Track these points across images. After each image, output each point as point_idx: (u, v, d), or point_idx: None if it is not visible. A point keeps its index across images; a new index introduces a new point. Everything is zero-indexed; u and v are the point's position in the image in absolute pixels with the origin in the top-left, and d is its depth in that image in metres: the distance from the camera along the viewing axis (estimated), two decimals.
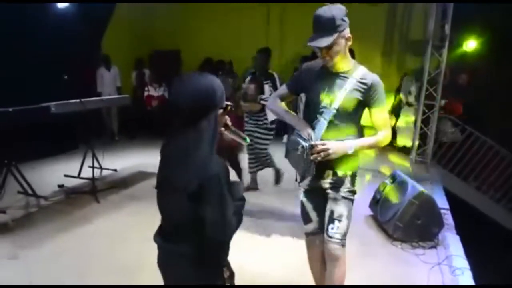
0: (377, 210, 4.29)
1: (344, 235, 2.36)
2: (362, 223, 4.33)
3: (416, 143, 7.06)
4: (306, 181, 2.45)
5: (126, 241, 3.78)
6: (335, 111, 2.24)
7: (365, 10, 8.06)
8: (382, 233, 4.09)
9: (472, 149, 6.92)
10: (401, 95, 7.68)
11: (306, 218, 2.53)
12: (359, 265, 3.27)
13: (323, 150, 2.18)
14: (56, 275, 3.14)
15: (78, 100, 4.65)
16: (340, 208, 2.34)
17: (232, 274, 1.73)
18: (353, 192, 2.38)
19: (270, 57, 4.69)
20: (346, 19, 2.15)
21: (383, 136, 2.33)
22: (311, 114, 2.35)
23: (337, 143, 2.22)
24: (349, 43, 2.20)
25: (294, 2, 8.19)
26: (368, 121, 2.36)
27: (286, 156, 2.38)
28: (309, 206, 2.50)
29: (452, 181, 6.93)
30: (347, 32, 2.17)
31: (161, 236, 1.64)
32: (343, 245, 2.36)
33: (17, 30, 5.31)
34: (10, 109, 4.26)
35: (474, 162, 6.96)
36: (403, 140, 7.70)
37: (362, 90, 2.22)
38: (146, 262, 3.30)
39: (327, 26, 2.09)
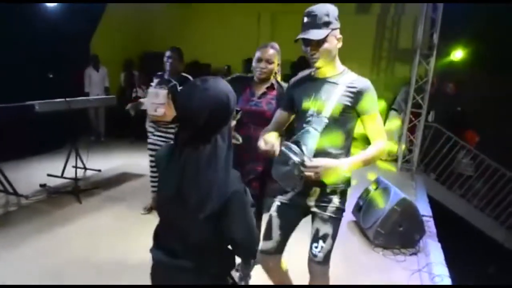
0: (359, 216, 4.30)
1: (328, 255, 2.21)
2: (345, 229, 4.33)
3: (402, 151, 7.10)
4: (288, 195, 2.25)
5: (107, 242, 3.73)
6: (326, 121, 2.07)
7: (354, 19, 8.15)
8: (364, 240, 4.09)
9: (457, 157, 6.99)
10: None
11: (267, 234, 2.29)
12: (340, 271, 3.26)
13: (314, 170, 1.95)
14: (36, 275, 3.09)
15: (63, 100, 4.61)
16: (325, 228, 2.18)
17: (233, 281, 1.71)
18: (342, 211, 2.21)
19: (183, 58, 4.08)
20: (338, 20, 2.05)
21: (378, 150, 2.12)
22: (299, 126, 2.17)
23: (330, 162, 1.99)
24: (340, 45, 2.09)
25: (284, 2, 8.18)
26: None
27: (273, 170, 2.10)
28: (276, 223, 2.27)
29: (437, 189, 7.00)
30: (338, 33, 2.06)
31: (163, 251, 1.50)
32: (326, 264, 2.23)
33: (4, 28, 5.26)
34: None
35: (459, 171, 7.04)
36: (389, 145, 7.72)
37: (351, 96, 2.06)
38: (127, 263, 3.30)
39: (321, 21, 1.98)
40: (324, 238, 2.18)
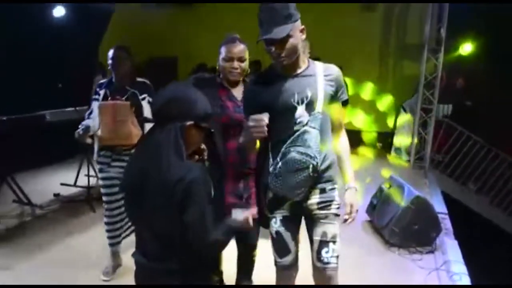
0: (374, 215, 4.26)
1: (338, 257, 2.07)
2: (359, 229, 4.29)
3: (414, 148, 7.04)
4: (286, 207, 2.06)
5: (122, 249, 3.73)
6: (321, 116, 1.96)
7: (359, 17, 8.11)
8: (379, 239, 4.05)
9: (470, 153, 6.89)
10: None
11: (284, 250, 2.12)
12: (355, 271, 3.23)
13: (354, 216, 2.06)
14: (47, 284, 3.10)
15: (73, 109, 4.65)
16: (333, 228, 2.03)
17: (221, 282, 1.71)
18: (339, 206, 2.10)
19: (133, 58, 3.16)
20: (297, 10, 1.89)
21: (348, 146, 2.17)
22: (284, 131, 1.96)
23: (353, 199, 2.08)
24: (304, 36, 1.94)
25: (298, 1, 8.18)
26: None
27: (280, 181, 1.95)
28: (287, 236, 2.09)
29: (451, 185, 6.92)
30: (300, 24, 1.90)
31: (143, 253, 1.57)
32: (337, 268, 2.08)
33: (13, 37, 5.31)
34: (4, 118, 4.27)
35: (473, 166, 6.94)
36: (402, 140, 7.65)
37: (332, 84, 2.00)
38: None
39: (282, 16, 1.82)
40: (334, 239, 2.03)
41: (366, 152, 7.92)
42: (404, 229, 3.80)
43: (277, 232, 2.10)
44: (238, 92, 2.38)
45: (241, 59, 2.32)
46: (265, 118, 1.82)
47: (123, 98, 2.97)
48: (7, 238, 3.94)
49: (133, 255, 1.59)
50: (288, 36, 1.84)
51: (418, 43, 7.30)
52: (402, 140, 7.56)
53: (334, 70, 2.04)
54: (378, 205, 4.23)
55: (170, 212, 1.43)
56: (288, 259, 2.14)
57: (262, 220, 2.22)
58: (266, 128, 1.82)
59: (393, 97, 8.03)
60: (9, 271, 3.35)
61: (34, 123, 4.41)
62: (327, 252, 2.02)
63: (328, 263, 2.03)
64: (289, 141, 1.95)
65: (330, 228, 2.03)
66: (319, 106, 1.94)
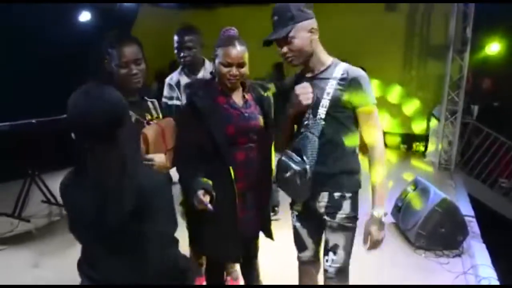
0: (399, 218, 4.20)
1: (341, 271, 2.02)
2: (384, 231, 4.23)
3: (440, 149, 6.91)
4: (299, 206, 2.11)
5: None
6: (323, 122, 1.90)
7: (383, 17, 8.02)
8: (405, 241, 3.99)
9: (498, 154, 6.73)
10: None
11: (301, 245, 2.18)
12: (380, 274, 3.19)
13: (377, 246, 1.94)
14: (76, 283, 3.16)
15: None
16: (335, 238, 1.99)
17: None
18: (353, 219, 1.99)
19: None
20: (308, 10, 1.86)
21: (383, 166, 1.92)
22: (298, 131, 2.02)
23: (372, 221, 1.91)
24: (315, 36, 1.90)
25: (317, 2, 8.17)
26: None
27: (277, 182, 2.04)
28: (303, 232, 2.14)
29: (478, 187, 6.74)
30: (309, 24, 1.87)
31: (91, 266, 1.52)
32: (341, 281, 2.05)
33: (42, 44, 5.45)
34: (34, 120, 4.39)
35: (501, 168, 6.77)
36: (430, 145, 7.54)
37: (344, 87, 1.86)
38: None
39: (282, 18, 1.84)
40: (334, 249, 1.99)
41: (390, 154, 7.82)
42: (431, 232, 3.74)
43: (294, 227, 2.18)
44: (238, 98, 2.13)
45: (241, 65, 2.02)
46: (309, 86, 1.89)
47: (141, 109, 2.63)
48: (36, 237, 4.06)
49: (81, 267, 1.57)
50: (291, 37, 1.84)
51: (443, 43, 7.17)
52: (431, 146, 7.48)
53: (352, 72, 1.88)
54: (403, 207, 4.17)
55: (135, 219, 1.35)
56: (305, 255, 2.18)
57: (265, 229, 2.26)
58: (311, 95, 1.88)
59: (418, 99, 7.89)
60: (39, 269, 3.46)
61: (62, 125, 4.49)
62: (327, 260, 2.03)
63: (326, 270, 2.05)
64: (292, 143, 2.01)
65: (332, 237, 2.00)
66: (321, 112, 1.89)
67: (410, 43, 8.30)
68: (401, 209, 4.19)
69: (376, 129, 1.92)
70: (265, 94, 2.23)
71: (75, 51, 5.72)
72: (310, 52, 1.91)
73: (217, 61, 2.05)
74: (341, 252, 1.99)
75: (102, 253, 1.45)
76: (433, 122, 7.40)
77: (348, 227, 1.98)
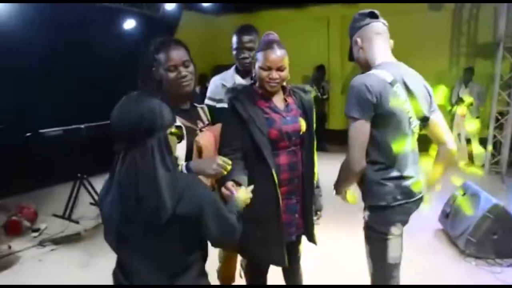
0: (447, 224, 4.04)
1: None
2: (432, 238, 4.09)
3: (490, 152, 6.59)
4: None
5: None
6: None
7: (428, 16, 7.77)
8: (454, 248, 3.82)
9: None
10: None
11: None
12: (429, 281, 3.08)
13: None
14: None
15: None
16: None
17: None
18: (371, 229, 1.99)
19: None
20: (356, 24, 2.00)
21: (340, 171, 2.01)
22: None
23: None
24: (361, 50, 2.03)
25: (353, 2, 8.05)
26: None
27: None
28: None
29: None
30: (357, 37, 2.02)
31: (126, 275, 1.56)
32: None
33: (91, 53, 5.67)
34: (82, 126, 4.59)
35: None
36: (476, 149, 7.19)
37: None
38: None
39: None
40: None
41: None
42: (481, 239, 3.56)
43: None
44: (279, 101, 2.13)
45: (280, 68, 2.01)
46: None
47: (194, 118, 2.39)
48: (85, 238, 4.23)
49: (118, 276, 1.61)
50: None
51: (492, 40, 6.85)
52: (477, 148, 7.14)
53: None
54: (452, 213, 4.00)
55: (172, 228, 1.38)
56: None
57: (308, 234, 2.26)
58: None
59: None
60: (87, 268, 3.60)
61: (108, 130, 4.65)
62: None
63: None
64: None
65: None
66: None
67: (456, 41, 7.99)
68: (449, 215, 4.02)
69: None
70: (306, 98, 2.22)
71: (119, 59, 5.90)
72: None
73: (257, 65, 2.06)
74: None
75: (135, 264, 1.49)
76: (474, 128, 7.07)
77: (367, 237, 2.05)
